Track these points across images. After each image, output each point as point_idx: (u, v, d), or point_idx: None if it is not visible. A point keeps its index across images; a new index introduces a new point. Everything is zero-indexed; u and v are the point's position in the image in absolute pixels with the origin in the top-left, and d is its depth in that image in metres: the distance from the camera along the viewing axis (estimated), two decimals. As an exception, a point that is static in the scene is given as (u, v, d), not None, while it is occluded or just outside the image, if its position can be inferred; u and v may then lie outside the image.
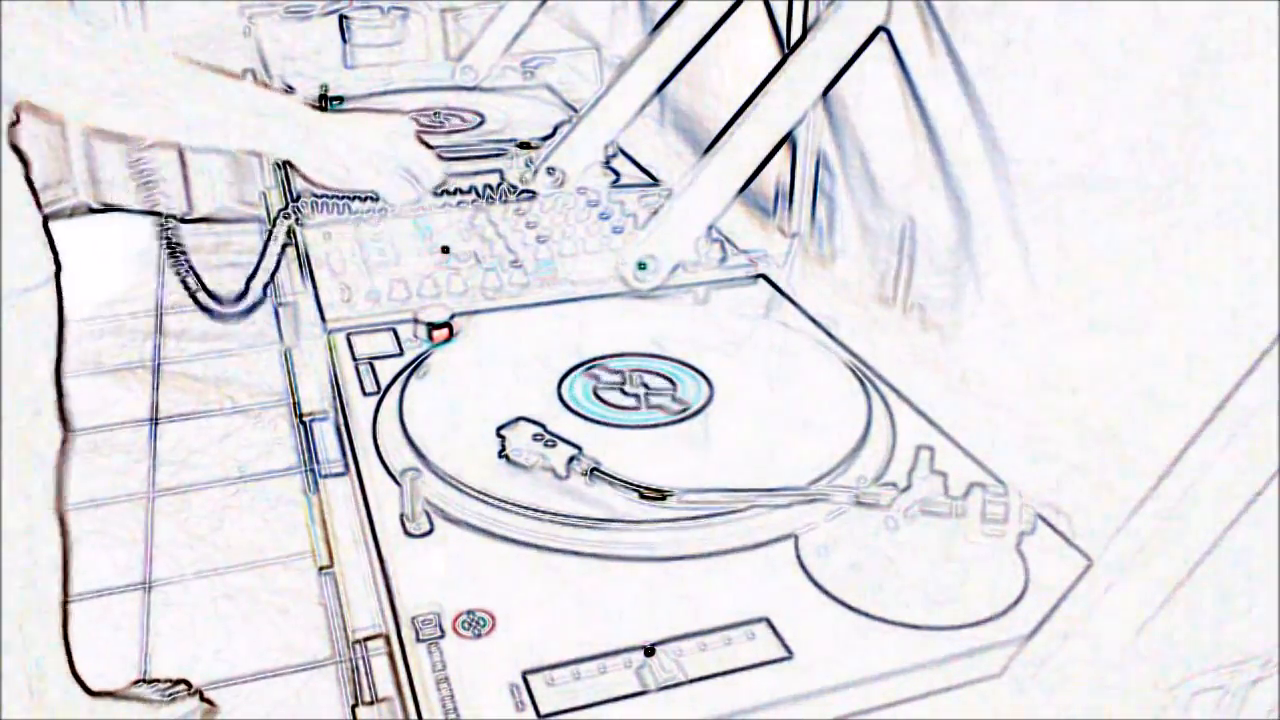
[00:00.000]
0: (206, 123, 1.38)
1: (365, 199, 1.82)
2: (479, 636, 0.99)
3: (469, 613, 1.01)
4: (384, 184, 1.59)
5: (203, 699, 1.93)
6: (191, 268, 1.88)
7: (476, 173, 2.00)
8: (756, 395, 1.36)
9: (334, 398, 1.43)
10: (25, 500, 1.57)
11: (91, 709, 1.77)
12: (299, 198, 1.83)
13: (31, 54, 1.23)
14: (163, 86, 1.33)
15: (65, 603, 1.69)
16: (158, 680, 1.95)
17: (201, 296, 1.87)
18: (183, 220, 3.69)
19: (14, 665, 1.62)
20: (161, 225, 1.95)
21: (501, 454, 1.18)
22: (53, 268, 1.49)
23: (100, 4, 3.31)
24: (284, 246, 1.77)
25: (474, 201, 1.90)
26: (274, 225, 1.77)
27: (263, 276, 1.77)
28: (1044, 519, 1.13)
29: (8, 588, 1.57)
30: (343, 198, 1.82)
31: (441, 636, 0.98)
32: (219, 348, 3.16)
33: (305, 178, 1.55)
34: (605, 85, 1.95)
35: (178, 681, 1.95)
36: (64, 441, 1.62)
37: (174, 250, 1.96)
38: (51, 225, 1.51)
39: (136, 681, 1.96)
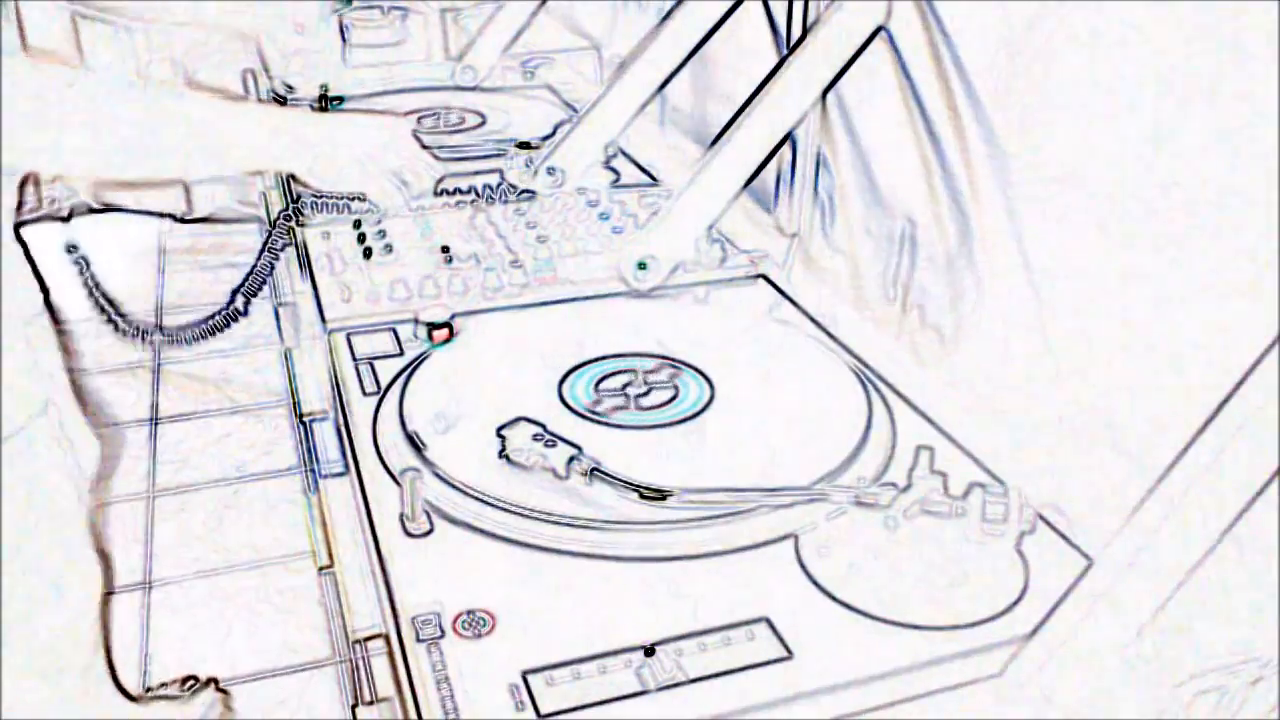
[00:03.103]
0: (204, 155, 1.39)
1: (362, 199, 1.82)
2: (479, 636, 0.99)
3: (469, 613, 1.01)
4: (371, 187, 1.60)
5: (218, 687, 1.94)
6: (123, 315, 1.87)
7: (476, 173, 2.00)
8: (757, 395, 1.36)
9: (334, 398, 1.43)
10: (63, 519, 1.58)
11: (126, 711, 1.77)
12: (299, 199, 1.83)
13: (22, 127, 1.23)
14: (157, 128, 1.33)
15: (106, 609, 1.70)
16: (168, 682, 1.95)
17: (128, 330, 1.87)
18: (183, 221, 3.69)
19: (56, 667, 1.63)
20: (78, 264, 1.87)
21: (501, 454, 1.18)
22: (41, 298, 1.50)
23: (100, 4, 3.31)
24: (273, 263, 1.76)
25: (474, 201, 1.90)
26: (269, 240, 1.77)
27: (250, 286, 1.76)
28: (1044, 519, 1.13)
29: (47, 601, 1.57)
30: (342, 198, 1.82)
31: (441, 636, 0.98)
32: (219, 348, 3.16)
33: (296, 179, 1.55)
34: (605, 85, 1.95)
35: (188, 678, 1.95)
36: (101, 451, 1.63)
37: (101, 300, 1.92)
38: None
39: (148, 690, 1.97)
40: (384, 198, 1.62)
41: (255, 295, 1.75)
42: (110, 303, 1.83)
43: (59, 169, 1.30)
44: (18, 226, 1.46)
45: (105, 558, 1.66)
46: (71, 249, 1.82)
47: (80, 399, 1.59)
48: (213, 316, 1.77)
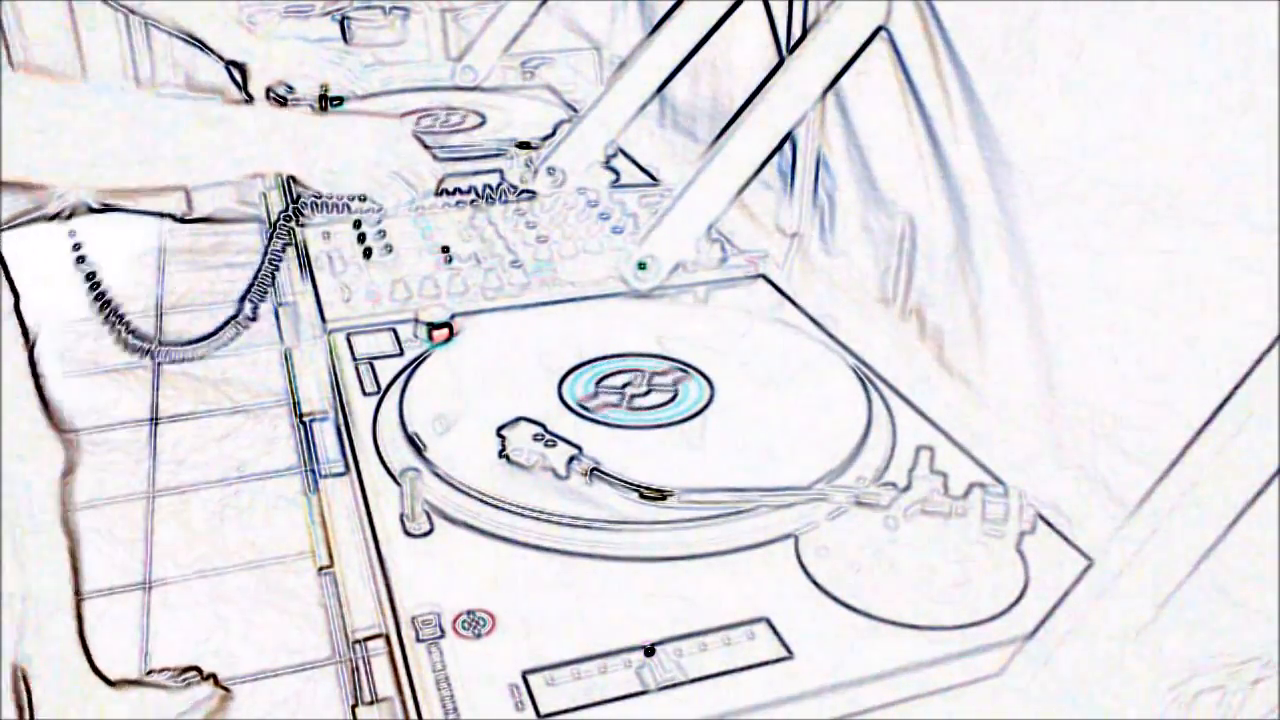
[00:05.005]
0: (203, 160, 1.39)
1: (362, 199, 1.82)
2: (479, 636, 0.99)
3: (469, 613, 1.01)
4: (376, 189, 1.60)
5: (217, 684, 1.94)
6: (119, 313, 1.86)
7: (476, 173, 2.00)
8: (757, 395, 1.36)
9: (334, 398, 1.43)
10: (32, 519, 1.59)
11: (110, 698, 1.78)
12: (299, 199, 1.84)
13: (27, 136, 1.23)
14: (155, 135, 1.33)
15: (79, 602, 1.71)
16: (169, 669, 1.96)
17: (132, 341, 1.86)
18: (183, 221, 3.69)
19: (39, 665, 1.64)
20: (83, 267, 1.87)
21: (501, 454, 1.18)
22: (11, 299, 1.50)
23: (99, 5, 3.30)
24: (274, 270, 1.76)
25: (474, 201, 1.90)
26: (269, 246, 1.76)
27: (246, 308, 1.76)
28: (1044, 519, 1.13)
29: (24, 597, 1.58)
30: (342, 197, 1.82)
31: (441, 636, 0.98)
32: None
33: (299, 182, 1.55)
34: (605, 85, 1.95)
35: (189, 669, 1.96)
36: (66, 459, 1.64)
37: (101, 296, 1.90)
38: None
39: (150, 672, 1.98)
40: (389, 199, 1.62)
41: (260, 302, 1.75)
42: (117, 315, 1.83)
43: (56, 180, 1.31)
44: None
45: (71, 532, 1.67)
46: (77, 250, 1.82)
47: (45, 405, 1.59)
48: (222, 327, 1.77)
